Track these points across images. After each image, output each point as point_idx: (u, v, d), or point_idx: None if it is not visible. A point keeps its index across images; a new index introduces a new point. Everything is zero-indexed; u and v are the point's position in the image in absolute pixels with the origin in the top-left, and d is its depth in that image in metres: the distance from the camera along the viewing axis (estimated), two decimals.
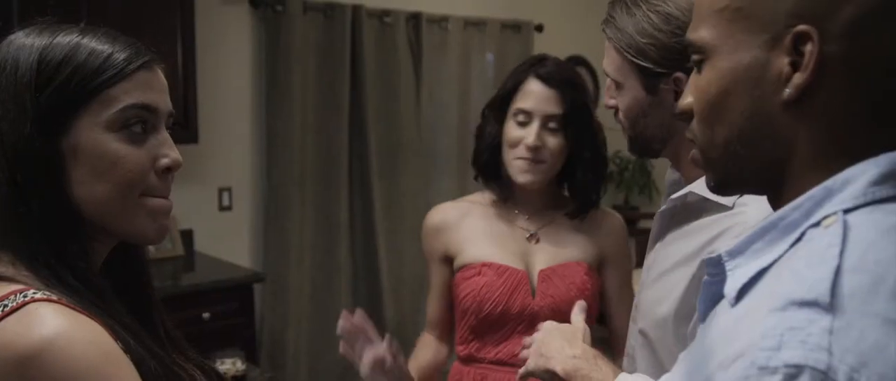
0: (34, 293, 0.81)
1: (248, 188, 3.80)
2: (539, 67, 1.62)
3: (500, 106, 1.66)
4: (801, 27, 0.66)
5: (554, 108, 1.59)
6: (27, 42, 0.88)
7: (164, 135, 0.93)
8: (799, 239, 0.67)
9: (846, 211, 0.65)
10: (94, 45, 0.88)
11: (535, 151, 1.60)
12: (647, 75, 1.21)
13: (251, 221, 3.82)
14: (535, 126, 1.59)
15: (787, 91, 0.67)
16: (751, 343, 0.60)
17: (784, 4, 0.67)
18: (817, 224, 0.66)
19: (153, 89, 0.91)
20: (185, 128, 3.20)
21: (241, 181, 3.78)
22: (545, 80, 1.60)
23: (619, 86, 1.25)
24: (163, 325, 1.01)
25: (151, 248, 3.38)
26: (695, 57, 0.75)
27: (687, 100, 0.78)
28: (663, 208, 1.31)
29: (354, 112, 3.93)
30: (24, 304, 0.80)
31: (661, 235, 1.32)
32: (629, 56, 1.21)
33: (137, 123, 0.89)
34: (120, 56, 0.88)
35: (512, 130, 1.62)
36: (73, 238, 0.87)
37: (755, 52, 0.69)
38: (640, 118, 1.25)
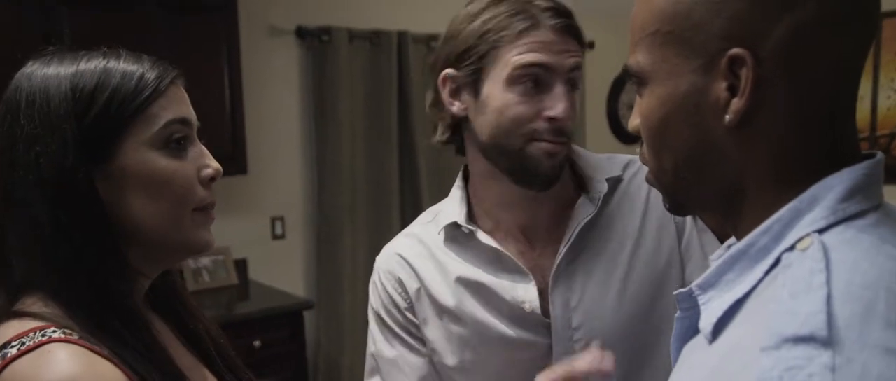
0: (53, 332, 0.79)
1: (300, 217, 3.81)
2: None
3: None
4: (735, 51, 0.62)
5: None
6: (50, 72, 0.85)
7: (201, 146, 0.93)
8: (774, 265, 0.62)
9: (820, 231, 0.60)
10: (124, 66, 0.87)
11: None
12: None
13: (304, 248, 3.84)
14: None
15: (728, 117, 0.63)
16: None
17: (714, 27, 0.63)
18: (792, 248, 0.61)
19: (185, 103, 0.92)
20: (233, 160, 3.23)
21: (293, 210, 3.79)
22: None
23: None
24: (216, 349, 1.00)
25: (207, 277, 3.43)
26: (634, 81, 0.71)
27: (635, 121, 0.74)
28: None
29: (403, 137, 3.93)
30: (42, 344, 0.77)
31: None
32: None
33: (179, 137, 0.89)
34: (151, 74, 0.88)
35: None
36: (118, 274, 0.85)
37: (691, 78, 0.65)
38: None
